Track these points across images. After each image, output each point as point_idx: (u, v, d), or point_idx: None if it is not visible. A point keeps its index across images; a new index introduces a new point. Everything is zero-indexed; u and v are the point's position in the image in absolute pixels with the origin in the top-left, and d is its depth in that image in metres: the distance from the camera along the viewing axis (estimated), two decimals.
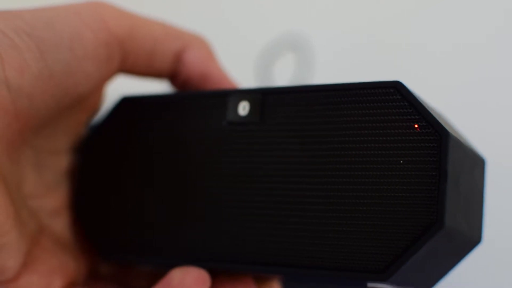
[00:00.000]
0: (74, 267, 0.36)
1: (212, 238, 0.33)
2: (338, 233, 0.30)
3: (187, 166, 0.34)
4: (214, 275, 0.33)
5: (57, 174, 0.36)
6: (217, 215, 0.33)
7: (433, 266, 0.31)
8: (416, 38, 0.49)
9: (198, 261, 0.33)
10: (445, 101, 0.39)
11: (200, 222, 0.33)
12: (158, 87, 0.41)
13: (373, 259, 0.29)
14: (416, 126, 0.29)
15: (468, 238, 0.31)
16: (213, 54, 0.37)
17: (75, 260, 0.36)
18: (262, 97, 0.32)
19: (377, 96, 0.30)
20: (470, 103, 0.46)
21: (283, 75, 0.54)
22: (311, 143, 0.31)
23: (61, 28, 0.32)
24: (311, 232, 0.30)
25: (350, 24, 0.52)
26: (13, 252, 0.32)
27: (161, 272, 0.34)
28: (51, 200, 0.36)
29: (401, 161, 0.29)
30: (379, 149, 0.29)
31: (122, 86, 0.40)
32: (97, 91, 0.35)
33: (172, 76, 0.37)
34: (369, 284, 0.30)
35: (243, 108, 0.33)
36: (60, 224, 0.36)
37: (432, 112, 0.29)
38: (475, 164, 0.31)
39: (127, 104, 0.36)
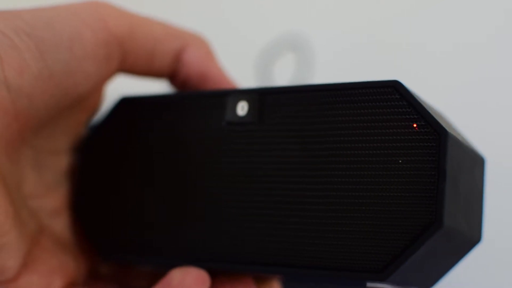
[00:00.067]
0: (74, 267, 0.36)
1: (212, 238, 0.33)
2: (337, 233, 0.30)
3: (187, 166, 0.34)
4: (214, 275, 0.33)
5: (57, 174, 0.36)
6: (217, 215, 0.33)
7: (432, 266, 0.31)
8: (416, 38, 0.49)
9: (198, 261, 0.33)
10: (445, 101, 0.39)
11: (200, 222, 0.33)
12: (158, 86, 0.41)
13: (372, 259, 0.29)
14: (414, 125, 0.29)
15: (467, 238, 0.30)
16: (213, 54, 0.37)
17: (75, 260, 0.36)
18: (260, 97, 0.32)
19: (375, 96, 0.30)
20: (470, 103, 0.46)
21: (283, 75, 0.54)
22: (310, 143, 0.31)
23: (61, 28, 0.32)
24: (310, 232, 0.30)
25: (350, 24, 0.52)
26: (13, 252, 0.32)
27: (161, 272, 0.34)
28: (51, 200, 0.36)
29: (400, 161, 0.29)
30: (378, 149, 0.29)
31: (122, 86, 0.40)
32: (97, 91, 0.35)
33: (171, 75, 0.37)
34: (368, 284, 0.30)
35: (242, 108, 0.33)
36: (60, 224, 0.36)
37: (430, 112, 0.29)
38: (474, 163, 0.31)
39: (126, 104, 0.36)
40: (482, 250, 0.35)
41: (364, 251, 0.29)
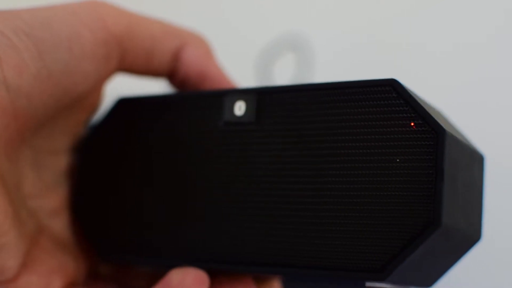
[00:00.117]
0: (73, 267, 0.36)
1: (212, 238, 0.33)
2: (336, 233, 0.30)
3: (186, 166, 0.34)
4: (214, 275, 0.33)
5: (56, 174, 0.36)
6: (216, 215, 0.33)
7: (431, 265, 0.31)
8: (416, 38, 0.49)
9: (198, 261, 0.33)
10: (445, 101, 0.39)
11: (199, 222, 0.33)
12: (157, 86, 0.41)
13: (371, 259, 0.29)
14: (412, 124, 0.29)
15: (467, 236, 0.30)
16: (212, 53, 0.37)
17: (75, 260, 0.36)
18: (257, 97, 0.32)
19: (373, 94, 0.30)
20: (470, 103, 0.46)
21: (283, 75, 0.54)
22: (308, 142, 0.31)
23: (60, 27, 0.32)
24: (309, 232, 0.30)
25: (350, 24, 0.52)
26: (12, 252, 0.32)
27: (160, 272, 0.34)
28: (50, 200, 0.36)
29: (398, 160, 0.29)
30: (375, 148, 0.29)
31: (121, 86, 0.40)
32: (96, 90, 0.35)
33: (170, 74, 0.37)
34: (368, 284, 0.30)
35: (239, 108, 0.33)
36: (59, 224, 0.36)
37: (428, 110, 0.29)
38: (473, 161, 0.31)
39: (124, 105, 0.36)
40: (482, 250, 0.35)
41: (363, 251, 0.29)
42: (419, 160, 0.28)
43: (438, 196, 0.28)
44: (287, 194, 0.31)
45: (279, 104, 0.32)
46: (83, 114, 0.36)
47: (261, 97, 0.32)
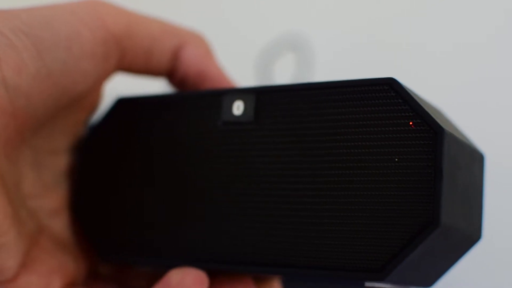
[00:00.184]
0: (73, 267, 0.36)
1: (212, 238, 0.33)
2: (335, 233, 0.30)
3: (185, 166, 0.34)
4: (213, 275, 0.33)
5: (56, 174, 0.36)
6: (216, 215, 0.33)
7: (431, 265, 0.31)
8: (416, 38, 0.49)
9: (198, 261, 0.33)
10: (445, 101, 0.39)
11: (199, 222, 0.33)
12: (156, 85, 0.41)
13: (370, 259, 0.29)
14: (411, 123, 0.29)
15: (466, 235, 0.30)
16: (211, 52, 0.37)
17: (75, 260, 0.36)
18: (256, 97, 0.32)
19: (371, 94, 0.29)
20: (470, 103, 0.46)
21: (283, 75, 0.54)
22: (306, 141, 0.31)
23: (59, 27, 0.32)
24: (309, 232, 0.30)
25: (350, 24, 0.52)
26: (12, 252, 0.32)
27: (161, 272, 0.34)
28: (50, 200, 0.36)
29: (396, 159, 0.29)
30: (374, 147, 0.29)
31: (120, 85, 0.40)
32: (95, 90, 0.35)
33: (170, 74, 0.37)
34: (367, 284, 0.30)
35: (238, 108, 0.33)
36: (59, 224, 0.36)
37: (427, 109, 0.29)
38: (473, 160, 0.31)
39: (123, 104, 0.36)
40: (482, 250, 0.35)
41: (363, 251, 0.29)
42: (418, 159, 0.28)
43: (437, 196, 0.28)
44: (287, 194, 0.31)
45: (277, 104, 0.32)
46: (82, 113, 0.36)
47: (260, 96, 0.32)
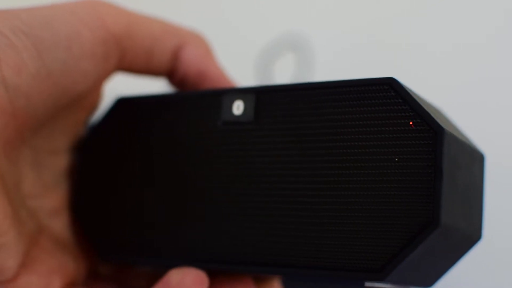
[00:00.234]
0: (73, 267, 0.36)
1: (212, 238, 0.33)
2: (335, 233, 0.30)
3: (185, 166, 0.34)
4: (213, 275, 0.33)
5: (56, 174, 0.36)
6: (216, 215, 0.32)
7: (431, 265, 0.31)
8: (416, 38, 0.49)
9: (198, 261, 0.33)
10: (445, 101, 0.39)
11: (199, 222, 0.33)
12: (156, 85, 0.41)
13: (370, 259, 0.29)
14: (410, 123, 0.29)
15: (466, 235, 0.30)
16: (211, 52, 0.37)
17: (75, 260, 0.36)
18: (256, 96, 0.32)
19: (371, 93, 0.29)
20: (470, 103, 0.46)
21: (283, 75, 0.54)
22: (306, 141, 0.31)
23: (59, 26, 0.32)
24: (309, 232, 0.30)
25: (350, 24, 0.52)
26: (11, 252, 0.32)
27: (161, 272, 0.34)
28: (50, 200, 0.36)
29: (396, 159, 0.29)
30: (374, 147, 0.29)
31: (120, 85, 0.40)
32: (95, 90, 0.35)
33: (170, 74, 0.37)
34: (367, 284, 0.30)
35: (237, 108, 0.33)
36: (59, 224, 0.36)
37: (427, 109, 0.28)
38: (473, 160, 0.31)
39: (124, 104, 0.36)
40: (482, 250, 0.35)
41: (362, 251, 0.29)
42: (418, 159, 0.28)
43: (437, 196, 0.28)
44: (287, 194, 0.31)
45: (277, 103, 0.32)
46: (82, 113, 0.36)
47: (260, 96, 0.32)
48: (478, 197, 0.31)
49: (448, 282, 0.35)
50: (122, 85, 0.41)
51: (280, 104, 0.32)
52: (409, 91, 0.29)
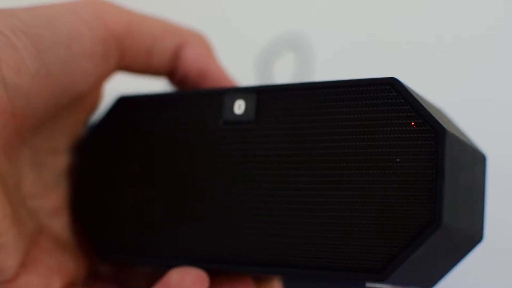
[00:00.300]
0: (73, 267, 0.36)
1: (212, 238, 0.33)
2: (336, 233, 0.30)
3: (186, 165, 0.34)
4: (213, 275, 0.33)
5: (56, 173, 0.36)
6: (217, 215, 0.32)
7: (432, 265, 0.31)
8: (416, 38, 0.49)
9: (198, 261, 0.33)
10: (446, 100, 0.39)
11: (199, 222, 0.33)
12: (157, 84, 0.41)
13: (371, 259, 0.29)
14: (412, 123, 0.29)
15: (468, 236, 0.30)
16: (212, 51, 0.37)
17: (75, 260, 0.36)
18: (257, 96, 0.32)
19: (373, 93, 0.29)
20: (470, 103, 0.46)
21: (283, 75, 0.54)
22: (307, 141, 0.31)
23: (59, 26, 0.32)
24: (309, 232, 0.30)
25: (350, 24, 0.52)
26: (11, 252, 0.32)
27: (161, 272, 0.34)
28: (50, 200, 0.36)
29: (398, 159, 0.29)
30: (375, 147, 0.29)
31: (120, 85, 0.40)
32: (95, 89, 0.35)
33: (170, 73, 0.37)
34: (368, 284, 0.30)
35: (239, 107, 0.32)
36: (59, 224, 0.36)
37: (429, 109, 0.28)
38: (475, 161, 0.31)
39: (124, 103, 0.36)
40: (482, 250, 0.35)
41: (363, 251, 0.29)
42: (419, 159, 0.28)
43: (438, 196, 0.28)
44: (287, 194, 0.31)
45: (278, 103, 0.32)
46: (82, 113, 0.36)
47: (261, 95, 0.32)
48: (479, 198, 0.31)
49: (449, 283, 0.35)
50: (122, 85, 0.40)
51: (281, 103, 0.31)
52: (410, 91, 0.29)
